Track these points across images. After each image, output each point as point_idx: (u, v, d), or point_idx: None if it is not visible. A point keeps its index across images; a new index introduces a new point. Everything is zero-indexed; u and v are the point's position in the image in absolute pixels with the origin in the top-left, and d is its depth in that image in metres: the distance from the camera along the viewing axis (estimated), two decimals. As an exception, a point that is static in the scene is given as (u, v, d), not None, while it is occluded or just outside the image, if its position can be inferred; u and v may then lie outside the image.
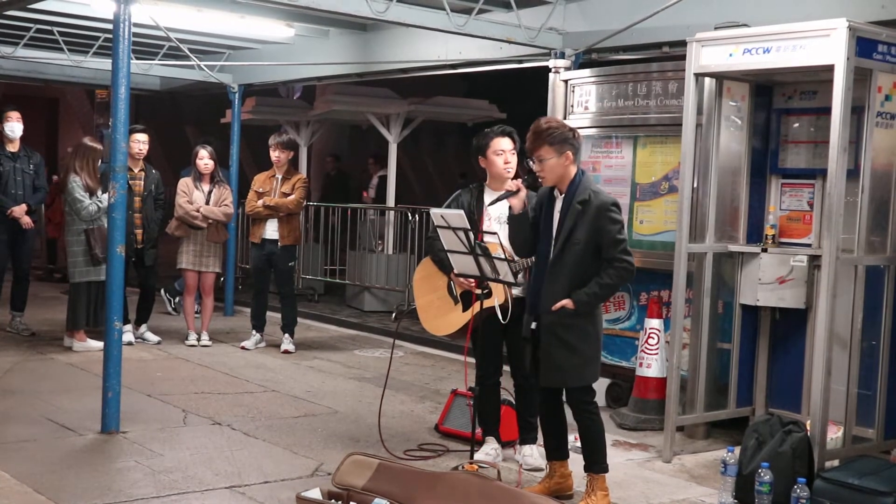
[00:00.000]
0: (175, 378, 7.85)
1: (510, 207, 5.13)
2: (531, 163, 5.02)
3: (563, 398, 5.22)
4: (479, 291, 5.44)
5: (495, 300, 5.41)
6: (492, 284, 5.39)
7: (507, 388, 5.98)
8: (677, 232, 6.17)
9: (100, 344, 7.59)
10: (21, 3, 7.68)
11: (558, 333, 4.94)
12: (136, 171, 8.96)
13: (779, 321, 6.56)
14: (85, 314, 8.61)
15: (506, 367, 5.86)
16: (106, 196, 8.47)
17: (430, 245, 5.81)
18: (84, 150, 8.77)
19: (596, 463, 5.07)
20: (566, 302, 4.90)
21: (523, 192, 5.06)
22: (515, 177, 5.88)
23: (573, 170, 5.02)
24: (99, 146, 8.79)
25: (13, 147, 9.23)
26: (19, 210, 9.11)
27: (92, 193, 8.57)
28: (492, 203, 5.47)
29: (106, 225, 8.35)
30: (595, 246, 4.91)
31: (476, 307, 5.46)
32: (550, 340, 4.96)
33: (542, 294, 4.99)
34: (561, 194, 5.02)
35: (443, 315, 5.80)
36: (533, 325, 5.05)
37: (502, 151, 5.70)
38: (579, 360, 4.97)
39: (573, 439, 5.43)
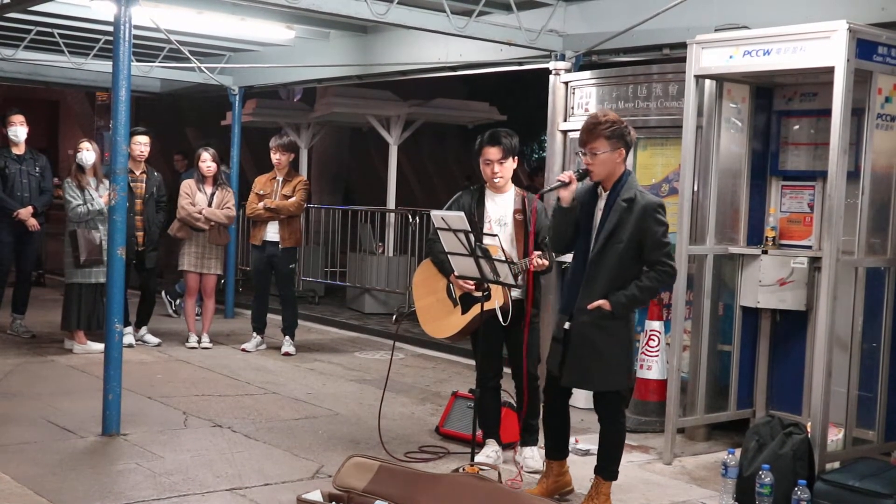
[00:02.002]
0: (175, 380, 7.85)
1: (558, 199, 4.92)
2: (581, 154, 4.89)
3: (570, 400, 5.19)
4: (478, 294, 5.44)
5: (495, 302, 5.41)
6: (491, 286, 5.38)
7: (507, 390, 5.98)
8: (678, 234, 6.16)
9: (100, 346, 7.63)
10: (22, 6, 7.69)
11: (590, 335, 4.83)
12: (137, 173, 8.99)
13: (779, 323, 6.56)
14: (76, 316, 8.62)
15: (506, 370, 5.86)
16: (100, 197, 8.55)
17: (431, 247, 5.81)
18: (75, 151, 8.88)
19: (608, 469, 5.04)
20: (602, 302, 4.78)
21: (574, 185, 4.88)
22: (516, 180, 5.87)
23: (621, 168, 4.90)
24: (81, 141, 8.91)
25: (19, 150, 9.27)
26: (25, 212, 9.14)
27: (83, 189, 8.60)
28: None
29: (99, 228, 8.45)
30: (637, 246, 4.79)
31: (476, 309, 5.46)
32: (581, 341, 4.85)
33: (578, 292, 4.88)
34: (605, 192, 4.89)
35: (442, 318, 5.79)
36: (566, 325, 4.92)
37: (490, 161, 5.65)
38: (606, 365, 4.87)
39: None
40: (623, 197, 4.81)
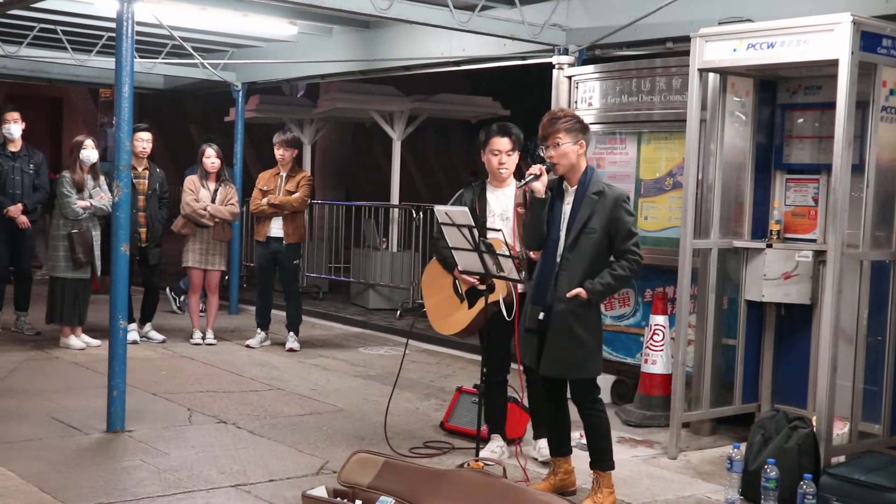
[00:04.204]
0: (180, 377, 7.86)
1: (532, 191, 5.04)
2: (543, 150, 5.02)
3: (568, 394, 5.21)
4: (482, 287, 5.43)
5: (499, 294, 5.41)
6: (495, 280, 5.37)
7: (513, 386, 5.97)
8: (682, 228, 6.16)
9: (85, 342, 8.18)
10: (24, 3, 7.69)
11: (569, 323, 4.91)
12: (140, 169, 8.99)
13: (784, 317, 6.54)
14: (60, 309, 8.65)
15: (513, 365, 5.85)
16: (98, 194, 8.56)
17: (436, 245, 5.81)
18: (73, 147, 8.87)
19: (601, 460, 5.06)
20: (579, 290, 4.88)
21: (545, 177, 5.00)
22: (517, 174, 5.87)
23: (584, 162, 5.05)
24: (83, 138, 8.90)
25: (14, 147, 9.26)
26: (15, 209, 9.12)
27: (80, 189, 8.60)
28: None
29: (91, 227, 8.47)
30: (608, 237, 4.93)
31: (482, 302, 5.46)
32: (560, 329, 4.92)
33: (553, 283, 4.96)
34: (571, 186, 5.02)
35: (450, 314, 5.79)
36: (541, 316, 4.99)
37: (498, 151, 5.70)
38: (584, 352, 4.96)
39: (578, 436, 5.42)
40: (592, 190, 4.96)
